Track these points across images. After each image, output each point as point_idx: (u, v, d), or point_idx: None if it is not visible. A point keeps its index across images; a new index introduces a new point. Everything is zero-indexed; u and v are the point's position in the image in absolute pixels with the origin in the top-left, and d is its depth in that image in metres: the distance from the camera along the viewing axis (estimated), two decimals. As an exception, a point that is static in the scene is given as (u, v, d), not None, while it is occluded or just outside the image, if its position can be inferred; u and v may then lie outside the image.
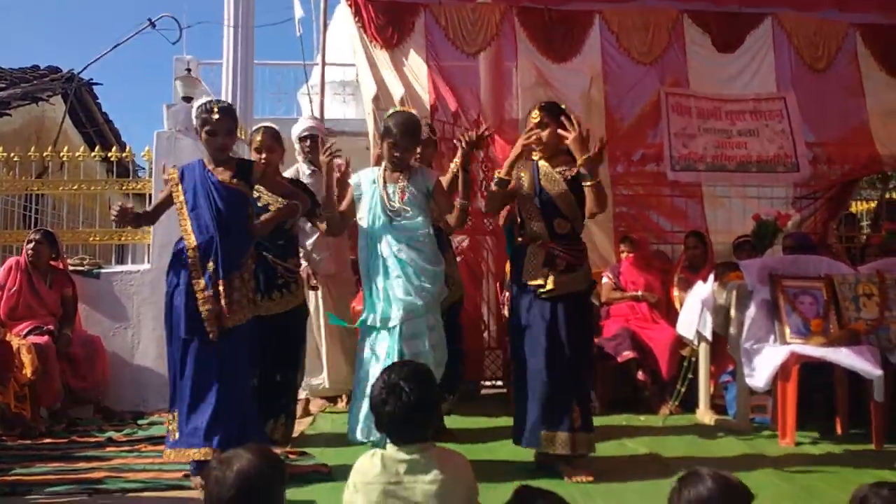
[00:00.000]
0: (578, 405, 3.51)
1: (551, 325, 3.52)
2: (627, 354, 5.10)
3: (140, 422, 4.90)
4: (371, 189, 3.65)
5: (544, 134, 3.62)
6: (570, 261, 3.60)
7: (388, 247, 3.55)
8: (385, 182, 3.63)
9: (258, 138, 4.08)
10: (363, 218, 3.64)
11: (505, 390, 5.72)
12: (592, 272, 3.93)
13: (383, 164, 3.72)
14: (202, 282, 3.30)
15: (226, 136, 3.47)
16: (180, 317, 3.31)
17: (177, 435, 3.32)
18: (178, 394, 3.35)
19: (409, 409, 2.07)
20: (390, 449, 2.11)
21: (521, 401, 3.61)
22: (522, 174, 3.70)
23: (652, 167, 6.45)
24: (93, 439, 4.37)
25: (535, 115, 3.65)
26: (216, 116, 3.41)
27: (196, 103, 3.53)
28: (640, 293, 5.50)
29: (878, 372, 4.04)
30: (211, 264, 3.32)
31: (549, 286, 3.52)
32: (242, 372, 3.43)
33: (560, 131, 3.54)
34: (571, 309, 3.56)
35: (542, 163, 3.69)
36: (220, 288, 3.30)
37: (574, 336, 3.54)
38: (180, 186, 3.43)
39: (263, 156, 4.02)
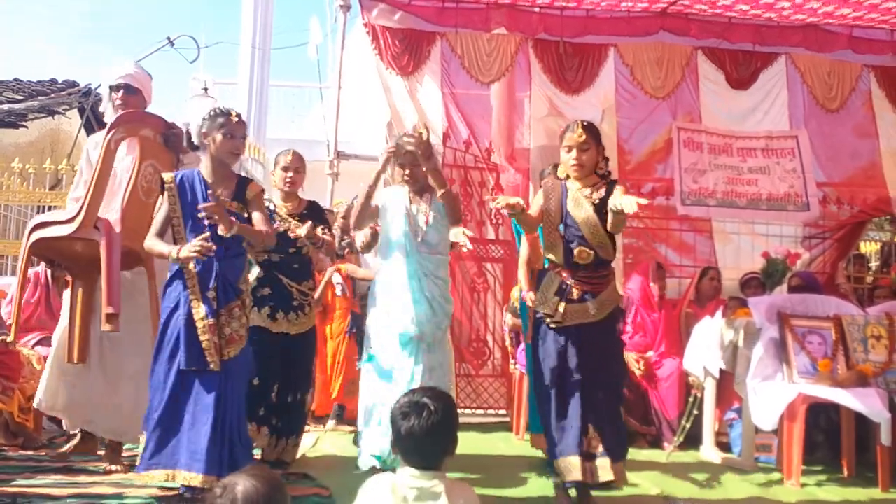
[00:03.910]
0: (597, 431, 3.35)
1: (561, 353, 3.42)
2: None
3: (142, 437, 4.87)
4: (398, 209, 3.80)
5: (585, 156, 3.44)
6: (585, 290, 3.43)
7: (413, 270, 3.72)
8: (410, 203, 3.74)
9: (289, 158, 4.18)
10: (389, 235, 3.80)
11: (508, 419, 5.69)
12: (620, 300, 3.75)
13: (406, 187, 3.86)
14: (202, 310, 3.16)
15: (240, 142, 3.42)
16: (178, 346, 3.17)
17: (146, 458, 3.20)
18: (161, 417, 3.19)
19: (431, 429, 2.04)
20: (402, 473, 2.08)
21: (546, 429, 3.52)
22: (552, 196, 3.52)
23: (661, 201, 6.46)
24: (94, 453, 4.35)
25: (581, 133, 3.42)
26: (235, 119, 3.34)
27: (206, 111, 3.45)
28: (631, 355, 5.15)
29: (887, 415, 4.01)
30: (211, 292, 3.19)
31: (558, 317, 3.43)
32: (236, 400, 3.29)
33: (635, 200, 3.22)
34: (583, 338, 3.41)
35: (571, 184, 3.50)
36: (221, 318, 3.21)
37: (587, 363, 3.39)
38: (178, 199, 3.28)
39: (290, 174, 4.15)
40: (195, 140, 3.44)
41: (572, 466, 3.33)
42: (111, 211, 3.71)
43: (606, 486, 3.43)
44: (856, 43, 6.65)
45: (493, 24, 6.37)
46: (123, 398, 3.84)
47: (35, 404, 4.02)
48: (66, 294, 4.00)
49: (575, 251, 3.43)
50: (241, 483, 1.74)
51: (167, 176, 3.32)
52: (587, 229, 3.41)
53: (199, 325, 3.15)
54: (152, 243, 3.29)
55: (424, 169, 3.80)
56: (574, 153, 3.44)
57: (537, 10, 6.39)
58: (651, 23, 6.49)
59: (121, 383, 3.86)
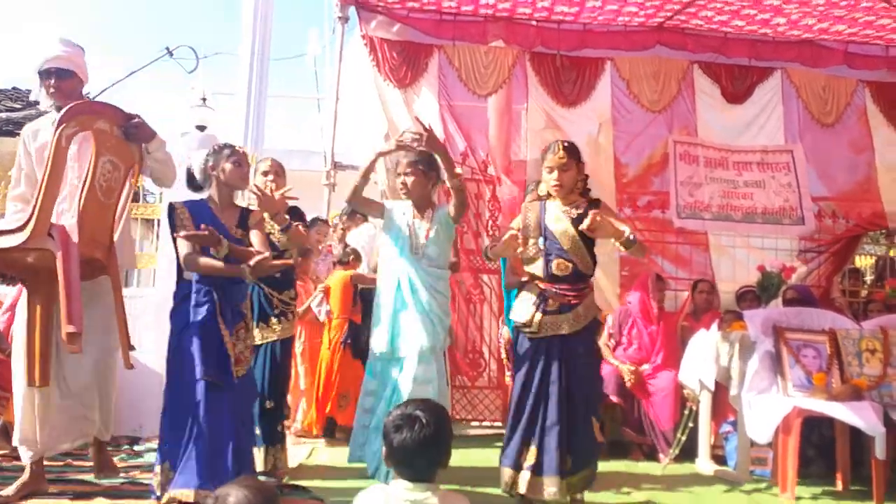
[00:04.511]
0: (560, 447, 3.42)
1: (532, 364, 3.52)
2: (611, 399, 5.09)
3: (136, 448, 4.86)
4: (402, 222, 3.86)
5: (566, 176, 3.57)
6: (563, 302, 3.53)
7: (411, 282, 3.75)
8: (413, 218, 3.82)
9: (267, 163, 4.32)
10: (389, 248, 3.85)
11: (504, 432, 5.66)
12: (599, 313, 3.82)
13: (409, 202, 3.93)
14: (223, 327, 3.28)
15: (247, 169, 3.59)
16: (195, 358, 3.22)
17: (163, 484, 3.23)
18: (174, 439, 3.26)
19: (424, 441, 2.04)
20: (395, 485, 2.07)
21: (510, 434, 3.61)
22: (530, 214, 3.67)
23: (657, 213, 6.48)
24: (87, 463, 4.32)
25: (562, 156, 3.55)
26: (241, 149, 3.58)
27: (204, 150, 3.58)
28: (625, 366, 5.19)
29: (881, 429, 4.01)
30: (229, 313, 3.31)
31: (533, 328, 3.52)
32: (249, 422, 3.46)
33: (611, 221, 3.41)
34: (558, 349, 3.50)
35: (551, 203, 3.64)
36: (239, 335, 3.33)
37: (560, 375, 3.48)
38: (190, 223, 3.34)
39: (270, 178, 4.20)
40: (198, 177, 3.51)
41: (520, 481, 3.44)
42: (66, 215, 3.37)
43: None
44: (851, 58, 6.70)
45: (490, 36, 6.40)
46: (87, 407, 3.63)
47: (15, 442, 3.55)
48: (21, 306, 3.53)
49: (553, 263, 3.54)
50: (234, 494, 1.74)
51: (178, 203, 3.40)
52: (566, 241, 3.53)
53: (225, 336, 3.26)
54: (208, 262, 3.25)
55: (437, 155, 3.85)
56: (555, 174, 3.57)
57: (534, 23, 6.43)
58: (648, 37, 6.53)
59: (84, 394, 3.61)
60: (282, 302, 4.19)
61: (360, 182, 3.91)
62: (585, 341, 3.60)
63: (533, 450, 3.46)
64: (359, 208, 4.19)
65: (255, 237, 3.43)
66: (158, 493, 3.24)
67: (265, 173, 4.27)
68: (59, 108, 3.49)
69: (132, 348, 3.58)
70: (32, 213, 3.16)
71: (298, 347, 5.52)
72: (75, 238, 3.22)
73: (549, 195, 3.65)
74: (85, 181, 3.34)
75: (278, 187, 4.22)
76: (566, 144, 3.62)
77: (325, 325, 5.47)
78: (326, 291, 5.49)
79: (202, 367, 3.19)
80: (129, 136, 3.54)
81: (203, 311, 3.26)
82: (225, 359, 3.25)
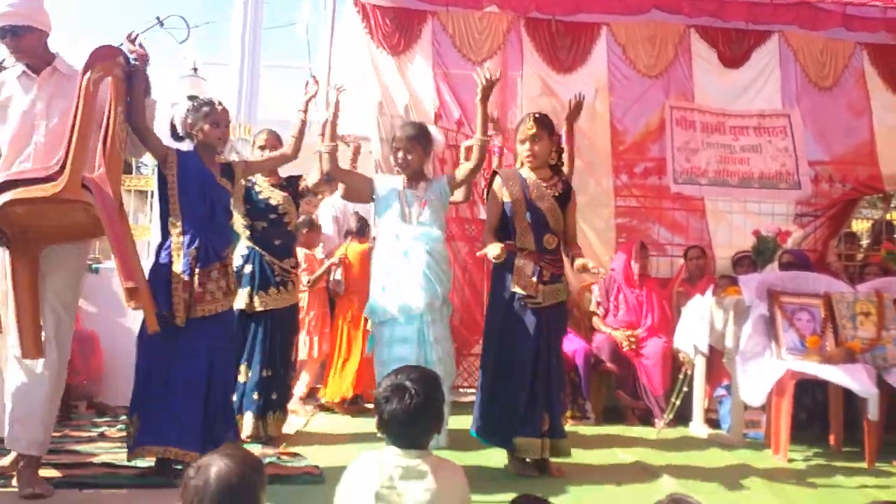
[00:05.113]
0: (548, 411, 3.66)
1: (536, 333, 3.67)
2: (606, 367, 5.13)
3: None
4: (392, 195, 3.86)
5: (538, 147, 3.74)
6: (553, 272, 3.74)
7: (409, 247, 3.77)
8: (405, 189, 3.84)
9: (263, 136, 4.35)
10: (385, 221, 3.86)
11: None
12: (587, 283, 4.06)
13: (402, 176, 3.93)
14: (179, 266, 3.33)
15: (225, 129, 3.61)
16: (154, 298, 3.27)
17: (133, 436, 3.30)
18: (142, 389, 3.33)
19: (413, 411, 2.04)
20: (388, 451, 2.08)
21: (491, 401, 3.72)
22: (513, 186, 3.78)
23: (654, 180, 6.44)
24: (86, 434, 4.37)
25: (530, 126, 3.74)
26: (220, 108, 3.57)
27: (189, 103, 3.61)
28: (619, 332, 5.25)
29: (874, 391, 4.04)
30: (193, 251, 3.36)
31: (539, 297, 3.68)
32: (213, 362, 3.39)
33: None
34: (554, 318, 3.75)
35: (528, 174, 3.80)
36: (196, 277, 3.34)
37: (554, 344, 3.75)
38: (175, 169, 3.43)
39: (267, 152, 4.23)
40: (180, 131, 3.60)
41: (532, 446, 3.61)
42: (86, 167, 3.06)
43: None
44: (849, 21, 6.60)
45: (484, 2, 6.31)
46: (36, 398, 3.16)
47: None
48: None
49: (544, 238, 3.72)
50: (216, 463, 1.70)
51: (169, 148, 3.48)
52: (552, 219, 3.74)
53: (175, 278, 3.32)
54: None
55: (479, 109, 3.83)
56: (527, 145, 3.76)
57: (529, -12, 6.34)
58: (643, 1, 6.43)
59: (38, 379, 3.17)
60: (283, 270, 4.20)
61: (328, 151, 3.88)
62: (566, 310, 3.98)
63: (546, 417, 3.63)
64: (342, 179, 4.11)
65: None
66: (129, 445, 3.33)
67: (262, 148, 4.29)
68: (28, 66, 3.24)
69: (137, 294, 3.09)
70: (64, 163, 2.92)
71: (309, 319, 5.38)
72: (114, 190, 3.05)
73: (521, 165, 3.84)
74: (107, 132, 3.10)
75: None
76: (537, 116, 3.81)
77: (338, 297, 5.40)
78: (345, 264, 5.37)
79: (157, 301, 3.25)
80: (132, 87, 3.30)
81: (164, 255, 3.39)
82: (167, 293, 3.29)
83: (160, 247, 3.48)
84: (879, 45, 6.69)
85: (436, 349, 3.71)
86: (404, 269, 3.75)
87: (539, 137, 3.73)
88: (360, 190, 4.05)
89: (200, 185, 3.44)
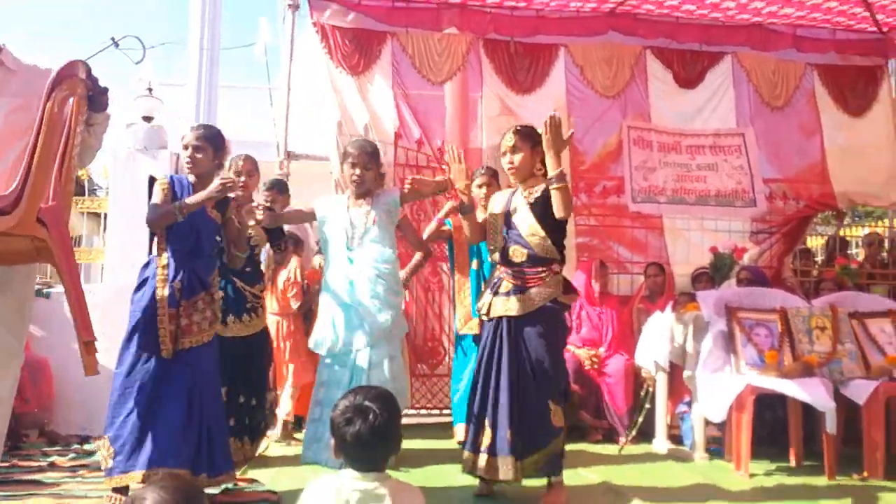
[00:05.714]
0: (510, 427, 3.42)
1: (485, 345, 3.59)
2: (570, 387, 5.11)
3: (86, 447, 4.75)
4: (338, 215, 3.77)
5: (517, 158, 3.59)
6: (516, 284, 3.52)
7: (356, 271, 3.66)
8: (350, 208, 3.73)
9: (240, 163, 4.30)
10: (330, 243, 3.76)
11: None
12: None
13: (348, 191, 3.84)
14: (165, 298, 3.29)
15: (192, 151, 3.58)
16: (139, 332, 3.28)
17: (110, 462, 3.23)
18: (120, 416, 3.26)
19: (376, 432, 1.99)
20: (345, 475, 2.03)
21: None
22: (500, 203, 3.71)
23: (613, 199, 6.51)
24: (35, 464, 4.22)
25: (510, 138, 3.61)
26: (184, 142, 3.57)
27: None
28: (582, 350, 5.30)
29: (831, 404, 4.08)
30: (177, 283, 3.32)
31: (485, 309, 3.62)
32: (201, 391, 3.35)
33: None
34: (511, 332, 3.50)
35: (516, 192, 3.68)
36: (181, 308, 3.30)
37: (513, 358, 3.48)
38: (170, 199, 3.41)
39: (243, 178, 4.19)
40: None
41: (466, 461, 3.53)
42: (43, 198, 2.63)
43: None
44: (799, 42, 6.80)
45: (444, 23, 6.35)
46: None
47: None
48: None
49: (510, 249, 3.59)
50: (150, 496, 1.63)
51: (160, 176, 3.54)
52: (524, 228, 3.56)
53: (160, 311, 3.27)
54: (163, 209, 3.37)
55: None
56: (507, 157, 3.64)
57: (488, 10, 6.39)
58: (600, 23, 6.54)
59: None
60: (253, 296, 4.20)
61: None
62: (540, 324, 3.52)
63: (488, 431, 3.47)
64: (284, 223, 4.29)
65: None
66: (105, 469, 3.26)
67: (238, 174, 4.22)
68: None
69: (93, 348, 2.71)
70: (21, 192, 2.51)
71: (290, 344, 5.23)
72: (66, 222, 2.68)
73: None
74: (65, 153, 2.72)
75: (251, 186, 4.32)
76: (518, 128, 3.68)
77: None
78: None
79: (140, 339, 3.26)
80: (92, 104, 2.95)
81: (146, 285, 3.35)
82: (154, 329, 3.27)
83: (144, 267, 3.45)
84: (829, 65, 6.88)
85: (384, 371, 3.57)
86: (351, 300, 3.62)
87: (518, 150, 3.58)
88: (304, 220, 4.08)
89: (190, 216, 3.37)
